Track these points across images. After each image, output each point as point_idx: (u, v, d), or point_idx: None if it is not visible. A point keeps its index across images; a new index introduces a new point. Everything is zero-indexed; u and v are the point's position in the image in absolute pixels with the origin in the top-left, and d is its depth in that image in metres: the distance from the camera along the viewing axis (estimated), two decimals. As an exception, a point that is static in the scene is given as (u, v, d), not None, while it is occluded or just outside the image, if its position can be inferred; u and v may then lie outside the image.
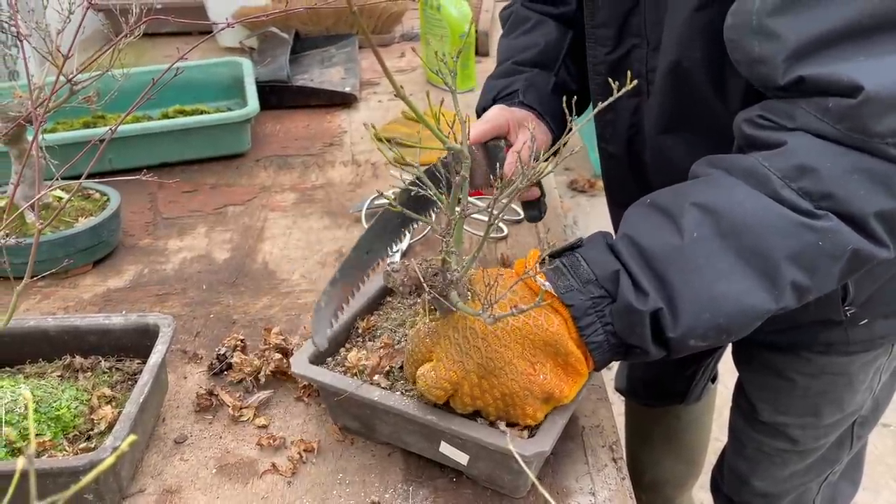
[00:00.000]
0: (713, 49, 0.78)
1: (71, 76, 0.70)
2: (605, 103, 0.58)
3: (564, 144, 0.70)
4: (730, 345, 1.28)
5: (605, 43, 0.96)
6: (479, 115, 1.07)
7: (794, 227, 0.66)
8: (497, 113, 0.98)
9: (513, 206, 1.22)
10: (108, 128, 1.36)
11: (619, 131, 1.01)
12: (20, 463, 0.50)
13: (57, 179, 0.73)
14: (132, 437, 0.31)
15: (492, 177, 0.70)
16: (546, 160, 0.68)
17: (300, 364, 0.81)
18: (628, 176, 1.04)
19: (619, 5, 0.91)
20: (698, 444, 1.64)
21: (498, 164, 0.96)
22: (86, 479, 0.27)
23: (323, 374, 0.80)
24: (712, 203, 0.68)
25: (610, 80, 0.58)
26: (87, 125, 1.49)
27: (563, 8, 1.09)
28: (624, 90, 0.55)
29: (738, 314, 0.67)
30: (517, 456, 0.65)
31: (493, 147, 0.99)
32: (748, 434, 1.13)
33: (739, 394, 1.15)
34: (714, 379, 1.56)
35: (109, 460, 0.29)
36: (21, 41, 0.68)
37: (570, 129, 0.65)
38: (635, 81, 0.56)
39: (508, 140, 0.99)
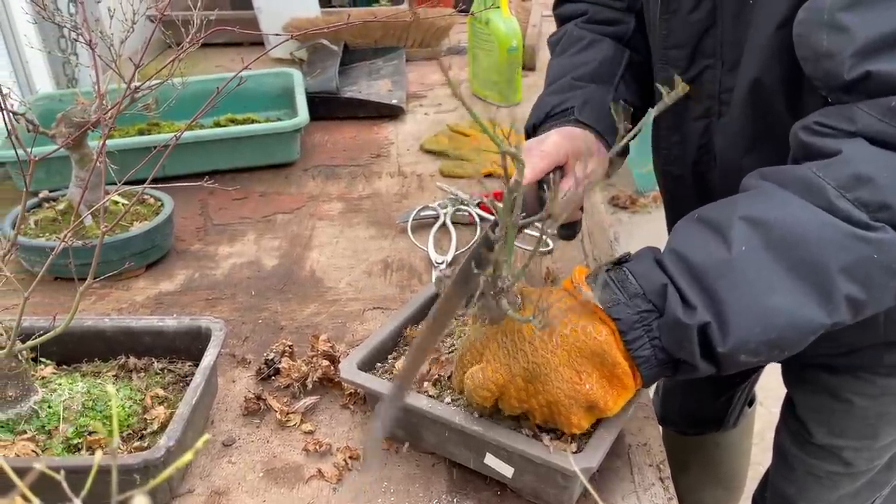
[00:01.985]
0: (793, 66, 0.77)
1: (139, 84, 0.72)
2: (656, 112, 0.57)
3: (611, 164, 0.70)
4: (772, 366, 1.26)
5: (678, 64, 0.94)
6: (527, 134, 1.05)
7: (848, 240, 0.65)
8: (556, 145, 0.91)
9: (547, 236, 1.21)
10: (171, 134, 1.39)
11: (686, 153, 0.99)
12: (97, 457, 0.52)
13: (120, 184, 0.75)
14: (206, 436, 0.32)
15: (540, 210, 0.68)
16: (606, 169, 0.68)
17: (349, 369, 0.82)
18: (692, 197, 1.02)
19: (694, 26, 0.90)
20: (738, 470, 1.61)
21: (547, 194, 0.89)
22: (169, 470, 0.27)
23: (371, 381, 0.81)
24: (762, 216, 0.67)
25: (659, 86, 0.57)
26: (141, 132, 1.52)
27: (620, 27, 1.07)
28: (673, 95, 0.55)
29: (791, 328, 0.66)
30: (576, 470, 0.65)
31: (545, 181, 0.91)
32: (798, 456, 1.11)
33: (789, 415, 1.13)
34: (751, 402, 1.53)
35: (188, 456, 0.30)
36: (93, 50, 0.71)
37: (626, 139, 0.65)
38: (686, 87, 0.56)
39: (564, 171, 0.93)
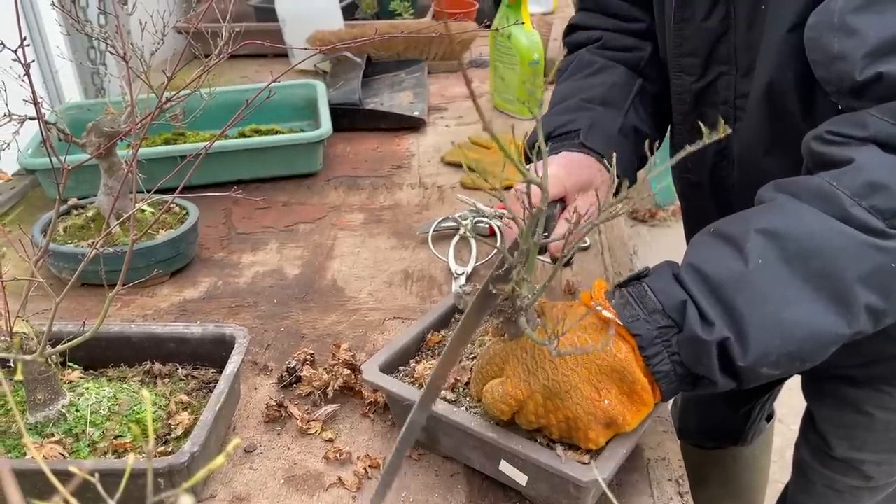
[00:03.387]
0: (805, 69, 0.78)
1: (173, 95, 0.74)
2: (692, 149, 0.57)
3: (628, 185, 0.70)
4: (792, 382, 1.25)
5: (692, 72, 0.95)
6: (527, 152, 1.01)
7: (864, 249, 0.65)
8: (556, 178, 0.88)
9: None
10: (197, 144, 1.41)
11: (704, 159, 0.99)
12: (130, 460, 0.53)
13: (151, 193, 0.77)
14: (237, 441, 0.33)
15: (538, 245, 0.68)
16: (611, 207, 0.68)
17: (371, 371, 0.84)
18: (710, 203, 1.03)
19: (707, 34, 0.90)
20: (756, 485, 1.60)
21: (547, 231, 0.87)
22: (202, 473, 0.28)
23: (391, 383, 0.83)
24: (777, 228, 0.68)
25: (701, 123, 0.58)
26: (167, 141, 1.55)
27: (636, 54, 1.06)
28: (714, 138, 0.55)
29: (811, 340, 0.66)
30: (599, 479, 0.65)
31: (546, 215, 0.84)
32: (818, 470, 1.10)
33: (809, 428, 1.12)
34: (769, 418, 1.53)
35: (220, 459, 0.30)
36: (126, 62, 0.73)
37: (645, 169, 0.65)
38: (729, 131, 0.56)
39: (565, 202, 0.91)
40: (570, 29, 1.16)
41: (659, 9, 0.99)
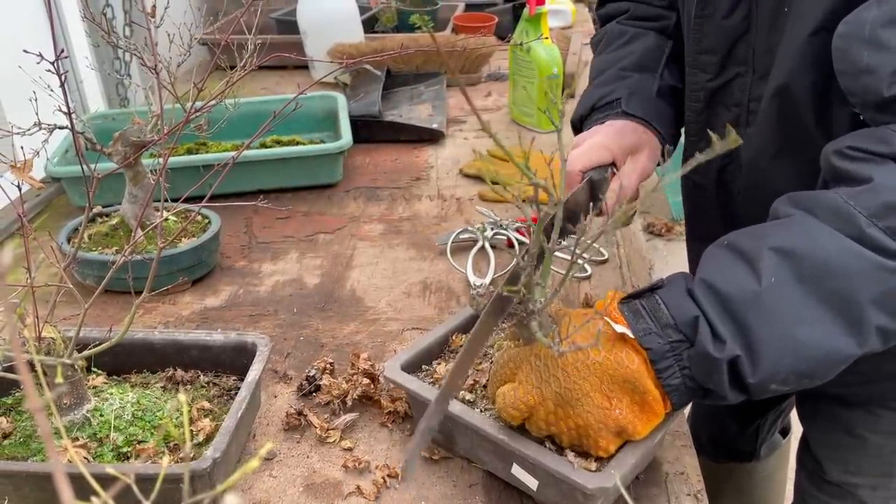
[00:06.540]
0: (823, 76, 0.77)
1: (201, 105, 0.76)
2: (703, 158, 0.58)
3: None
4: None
5: (708, 70, 0.94)
6: (574, 127, 1.06)
7: (879, 271, 0.64)
8: (603, 143, 0.93)
9: (596, 245, 1.23)
10: (220, 154, 1.43)
11: (711, 162, 0.98)
12: (165, 462, 0.55)
13: (179, 202, 0.78)
14: (269, 445, 0.34)
15: (592, 209, 0.70)
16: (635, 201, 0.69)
17: (393, 370, 0.85)
18: (714, 207, 1.02)
19: (727, 32, 0.89)
20: (772, 499, 1.59)
21: (601, 195, 0.91)
22: (237, 475, 0.29)
23: (411, 382, 0.84)
24: (791, 246, 0.67)
25: (711, 132, 0.58)
26: (190, 151, 1.57)
27: (662, 22, 1.06)
28: (722, 149, 0.56)
29: (821, 359, 0.66)
30: (619, 485, 0.65)
31: (598, 179, 0.92)
32: (814, 495, 1.09)
33: (804, 451, 1.11)
34: (785, 433, 1.51)
35: (254, 463, 0.31)
36: (157, 74, 0.74)
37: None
38: (740, 141, 0.56)
39: (616, 166, 0.94)
40: (601, 2, 1.20)
41: (681, 3, 0.99)
